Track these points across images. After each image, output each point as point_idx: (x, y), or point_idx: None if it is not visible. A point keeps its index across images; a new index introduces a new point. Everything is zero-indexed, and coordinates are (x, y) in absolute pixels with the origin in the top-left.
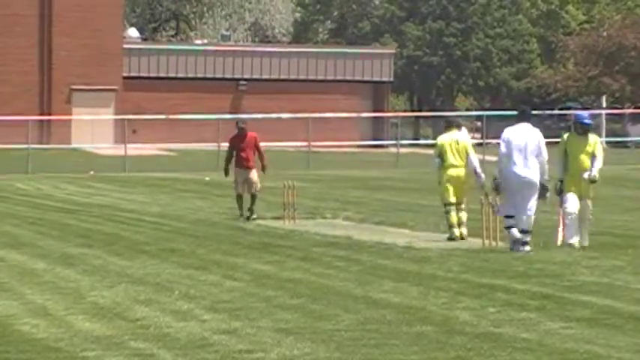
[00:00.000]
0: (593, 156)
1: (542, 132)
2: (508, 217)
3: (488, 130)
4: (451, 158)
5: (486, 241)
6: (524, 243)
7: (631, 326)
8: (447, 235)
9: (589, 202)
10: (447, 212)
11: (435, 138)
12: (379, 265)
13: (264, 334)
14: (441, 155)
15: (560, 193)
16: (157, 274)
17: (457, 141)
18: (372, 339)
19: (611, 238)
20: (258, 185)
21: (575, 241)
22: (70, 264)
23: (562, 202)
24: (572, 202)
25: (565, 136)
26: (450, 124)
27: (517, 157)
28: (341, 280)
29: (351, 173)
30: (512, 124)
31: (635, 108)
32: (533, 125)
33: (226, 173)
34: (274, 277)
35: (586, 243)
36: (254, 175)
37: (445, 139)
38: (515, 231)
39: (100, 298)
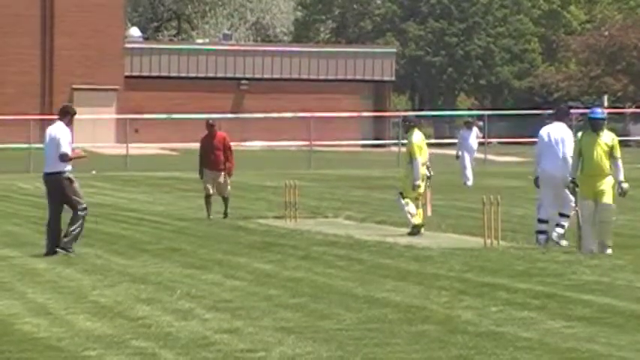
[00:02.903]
0: (612, 157)
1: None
2: (541, 221)
3: (490, 130)
4: (423, 157)
5: (488, 241)
6: (561, 234)
7: (632, 325)
8: (410, 229)
9: (608, 203)
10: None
11: (436, 138)
12: (381, 265)
13: (266, 334)
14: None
15: (574, 193)
16: (159, 273)
17: (424, 140)
18: (373, 338)
19: (612, 237)
20: (229, 188)
21: (594, 247)
22: (71, 263)
23: (576, 205)
24: (587, 208)
25: (579, 134)
26: (414, 125)
27: (550, 155)
28: (342, 280)
29: (353, 172)
30: (548, 123)
31: (636, 107)
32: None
33: (201, 175)
34: (276, 276)
35: (609, 250)
36: (223, 178)
37: (419, 139)
38: (542, 238)
39: (101, 297)
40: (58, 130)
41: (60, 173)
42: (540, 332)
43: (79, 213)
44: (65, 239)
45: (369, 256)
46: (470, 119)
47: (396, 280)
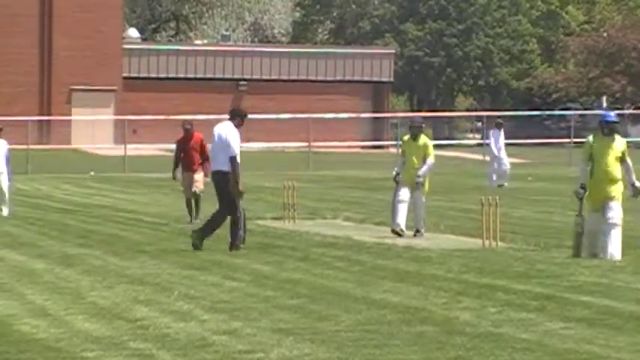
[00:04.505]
0: (623, 161)
1: (541, 132)
2: None
3: (489, 131)
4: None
5: (486, 242)
6: None
7: (631, 326)
8: (422, 232)
9: (617, 205)
10: None
11: (435, 138)
12: (379, 266)
13: (264, 335)
14: None
15: (582, 200)
16: (157, 274)
17: None
18: (372, 339)
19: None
20: (201, 185)
21: (604, 254)
22: (70, 264)
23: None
24: (592, 218)
25: (590, 137)
26: (422, 129)
27: None
28: (341, 281)
29: (351, 173)
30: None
31: (635, 108)
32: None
33: (174, 176)
34: (274, 277)
35: (618, 255)
36: (198, 176)
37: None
38: None
39: (99, 298)
40: (227, 130)
41: (227, 173)
42: (539, 333)
43: (237, 215)
44: (233, 244)
45: (367, 257)
46: (500, 120)
47: (394, 281)
